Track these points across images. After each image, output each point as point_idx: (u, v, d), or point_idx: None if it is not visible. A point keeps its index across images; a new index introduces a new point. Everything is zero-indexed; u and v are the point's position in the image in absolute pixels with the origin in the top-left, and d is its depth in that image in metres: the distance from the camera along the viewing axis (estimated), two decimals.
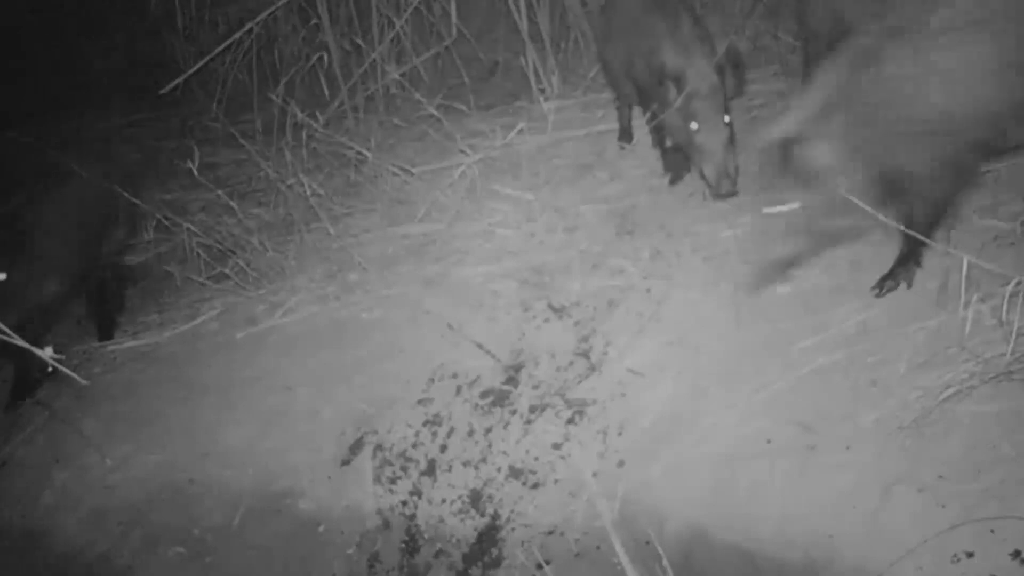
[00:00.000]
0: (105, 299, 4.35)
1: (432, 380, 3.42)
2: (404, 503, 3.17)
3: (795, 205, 2.76)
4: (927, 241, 2.83)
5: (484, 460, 3.15)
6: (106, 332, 4.28)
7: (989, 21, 2.67)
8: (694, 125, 3.40)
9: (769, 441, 2.76)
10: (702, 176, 3.52)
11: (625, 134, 4.30)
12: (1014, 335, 2.56)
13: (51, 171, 4.18)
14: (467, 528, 3.05)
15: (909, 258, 3.00)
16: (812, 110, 2.78)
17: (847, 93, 2.76)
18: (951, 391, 2.58)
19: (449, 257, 3.99)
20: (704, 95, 3.39)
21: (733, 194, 3.42)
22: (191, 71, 5.45)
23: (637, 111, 4.14)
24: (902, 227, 2.76)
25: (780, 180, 2.78)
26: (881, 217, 2.68)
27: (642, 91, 3.79)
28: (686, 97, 3.39)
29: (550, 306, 3.52)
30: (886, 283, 3.01)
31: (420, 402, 3.37)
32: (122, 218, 4.32)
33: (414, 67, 5.44)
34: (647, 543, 2.69)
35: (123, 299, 4.46)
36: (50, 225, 3.97)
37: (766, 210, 2.79)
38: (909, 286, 2.99)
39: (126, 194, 4.24)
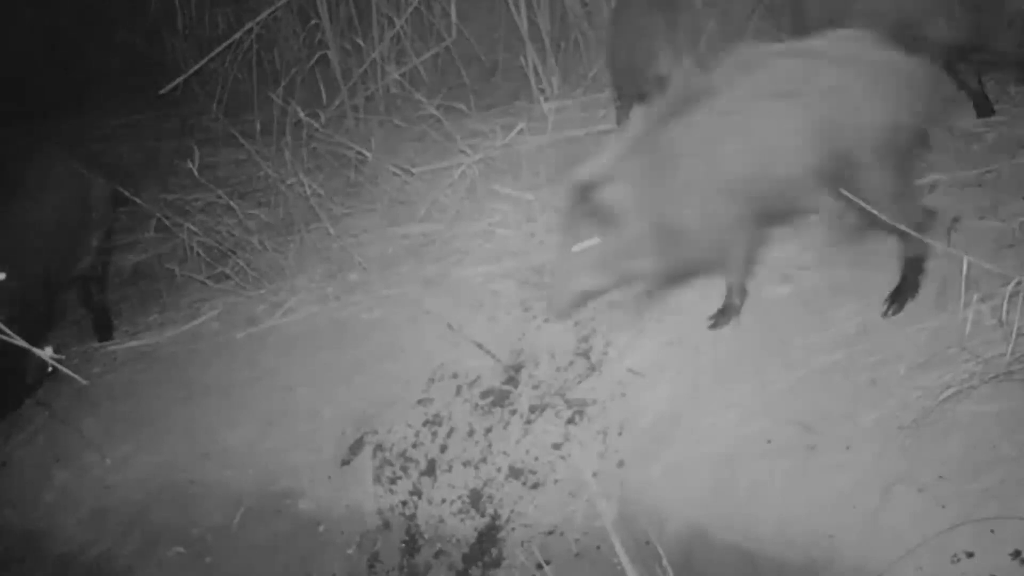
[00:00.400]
0: (93, 297, 4.28)
1: (432, 380, 3.42)
2: (404, 503, 3.17)
3: (595, 241, 2.87)
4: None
5: (484, 460, 3.15)
6: (105, 332, 4.27)
7: (795, 94, 2.80)
8: None
9: (769, 441, 2.76)
10: None
11: None
12: (1014, 335, 2.56)
13: (26, 164, 4.05)
14: (467, 528, 3.05)
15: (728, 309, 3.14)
16: (620, 152, 2.89)
17: (652, 140, 2.86)
18: (951, 391, 2.58)
19: (449, 257, 3.99)
20: None
21: None
22: (191, 71, 5.45)
23: None
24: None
25: (584, 218, 2.88)
26: (879, 216, 2.69)
27: (644, 91, 3.80)
28: None
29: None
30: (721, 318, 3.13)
31: (420, 402, 3.37)
32: (97, 212, 4.14)
33: (414, 67, 5.44)
34: (647, 543, 2.69)
35: (106, 301, 4.34)
36: (20, 221, 3.86)
37: (574, 248, 2.89)
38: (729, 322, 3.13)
39: (100, 183, 4.13)
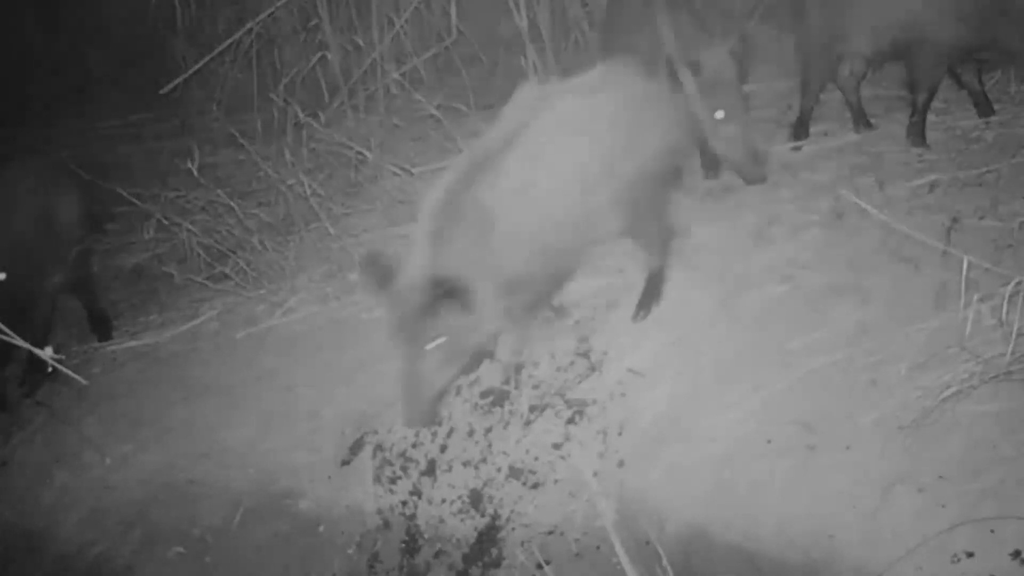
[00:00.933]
0: (86, 305, 4.27)
1: None
2: (404, 503, 3.17)
3: (443, 339, 2.84)
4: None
5: (484, 460, 3.15)
6: (104, 332, 4.27)
7: (583, 130, 3.00)
8: (720, 114, 3.39)
9: (769, 441, 2.76)
10: (732, 165, 3.52)
11: None
12: (1014, 335, 2.56)
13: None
14: (467, 528, 3.05)
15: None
16: (438, 230, 2.87)
17: (462, 202, 2.92)
18: (951, 391, 2.58)
19: None
20: (726, 82, 3.39)
21: (765, 179, 3.48)
22: (191, 71, 5.45)
23: None
24: None
25: (435, 311, 2.82)
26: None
27: None
28: (709, 87, 3.37)
29: (550, 306, 3.51)
30: None
31: None
32: (65, 232, 4.06)
33: (414, 67, 5.44)
34: (647, 543, 2.69)
35: (99, 304, 4.33)
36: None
37: (427, 347, 2.85)
38: None
39: (69, 203, 4.07)
